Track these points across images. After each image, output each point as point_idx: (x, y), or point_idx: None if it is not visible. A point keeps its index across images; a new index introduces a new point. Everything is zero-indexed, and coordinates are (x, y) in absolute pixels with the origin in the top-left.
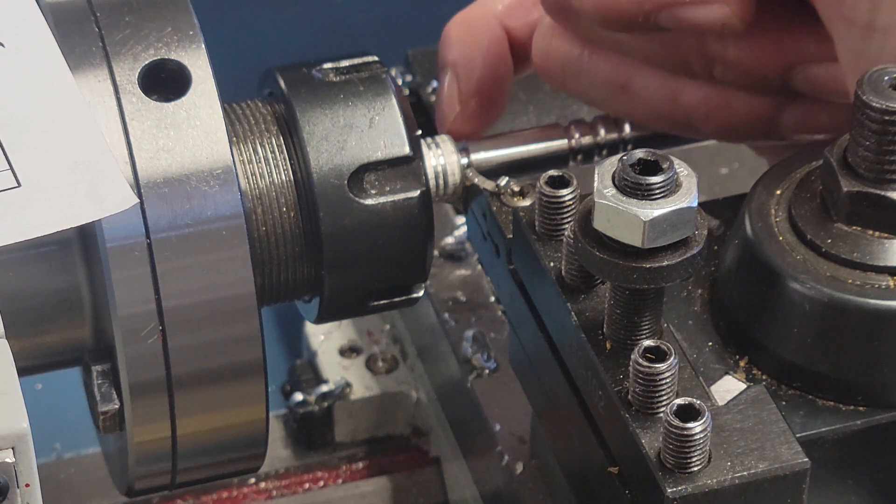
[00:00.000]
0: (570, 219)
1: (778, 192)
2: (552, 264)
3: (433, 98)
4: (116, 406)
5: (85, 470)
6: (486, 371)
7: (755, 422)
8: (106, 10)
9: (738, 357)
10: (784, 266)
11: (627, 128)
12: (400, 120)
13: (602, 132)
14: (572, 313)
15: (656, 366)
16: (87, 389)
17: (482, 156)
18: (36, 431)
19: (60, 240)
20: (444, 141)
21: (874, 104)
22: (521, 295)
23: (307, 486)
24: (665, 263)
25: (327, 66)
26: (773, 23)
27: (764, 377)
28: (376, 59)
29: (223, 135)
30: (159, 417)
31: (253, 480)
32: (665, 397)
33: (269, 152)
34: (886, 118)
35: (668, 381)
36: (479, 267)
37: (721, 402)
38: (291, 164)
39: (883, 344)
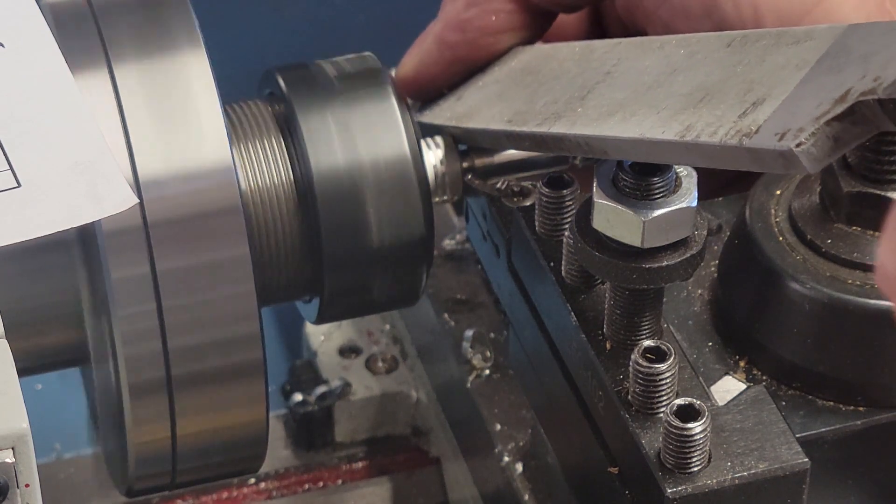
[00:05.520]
0: (570, 219)
1: (778, 192)
2: (552, 264)
3: None
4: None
5: (85, 470)
6: (486, 371)
7: (755, 422)
8: (106, 10)
9: (738, 357)
10: (784, 266)
11: None
12: (400, 120)
13: None
14: (572, 313)
15: (656, 366)
16: (86, 389)
17: (482, 156)
18: (36, 431)
19: (60, 240)
20: (445, 141)
21: None
22: (521, 295)
23: (307, 486)
24: (665, 263)
25: (327, 65)
26: None
27: (764, 377)
28: (376, 59)
29: (223, 135)
30: (159, 418)
31: (253, 480)
32: (665, 397)
33: (269, 152)
34: None
35: (668, 381)
36: (480, 267)
37: (721, 402)
38: (291, 164)
39: (883, 344)
